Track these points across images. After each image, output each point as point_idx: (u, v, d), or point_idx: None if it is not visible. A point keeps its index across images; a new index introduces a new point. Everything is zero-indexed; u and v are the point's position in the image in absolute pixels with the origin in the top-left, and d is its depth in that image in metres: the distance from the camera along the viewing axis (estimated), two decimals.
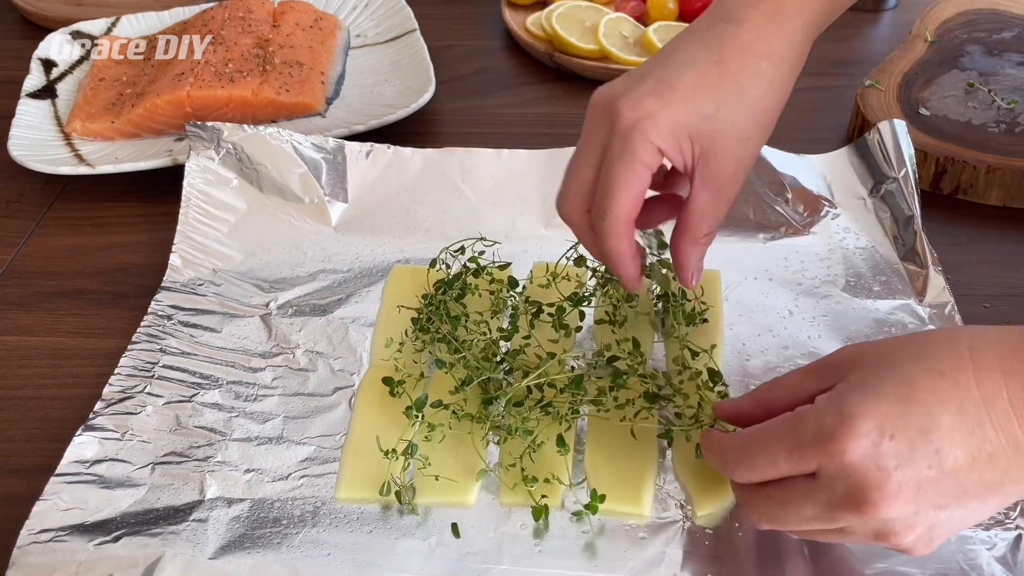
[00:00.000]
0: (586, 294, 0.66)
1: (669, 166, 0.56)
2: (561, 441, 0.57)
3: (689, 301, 0.66)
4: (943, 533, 0.44)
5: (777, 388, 0.50)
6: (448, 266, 0.69)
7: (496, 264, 0.69)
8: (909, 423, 0.42)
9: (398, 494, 0.56)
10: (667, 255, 0.62)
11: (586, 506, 0.55)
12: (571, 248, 0.67)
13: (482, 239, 0.70)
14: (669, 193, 0.59)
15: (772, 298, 0.68)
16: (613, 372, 0.59)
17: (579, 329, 0.66)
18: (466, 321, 0.64)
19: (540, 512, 0.54)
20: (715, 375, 0.59)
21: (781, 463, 0.45)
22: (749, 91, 0.53)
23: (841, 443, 0.42)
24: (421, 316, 0.65)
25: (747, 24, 0.53)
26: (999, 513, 0.53)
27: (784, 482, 0.46)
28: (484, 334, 0.63)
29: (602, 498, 0.54)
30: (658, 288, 0.68)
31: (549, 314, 0.65)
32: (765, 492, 0.47)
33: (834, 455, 0.42)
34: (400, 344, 0.65)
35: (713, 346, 0.62)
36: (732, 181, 0.54)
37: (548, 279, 0.68)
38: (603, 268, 0.67)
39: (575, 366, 0.61)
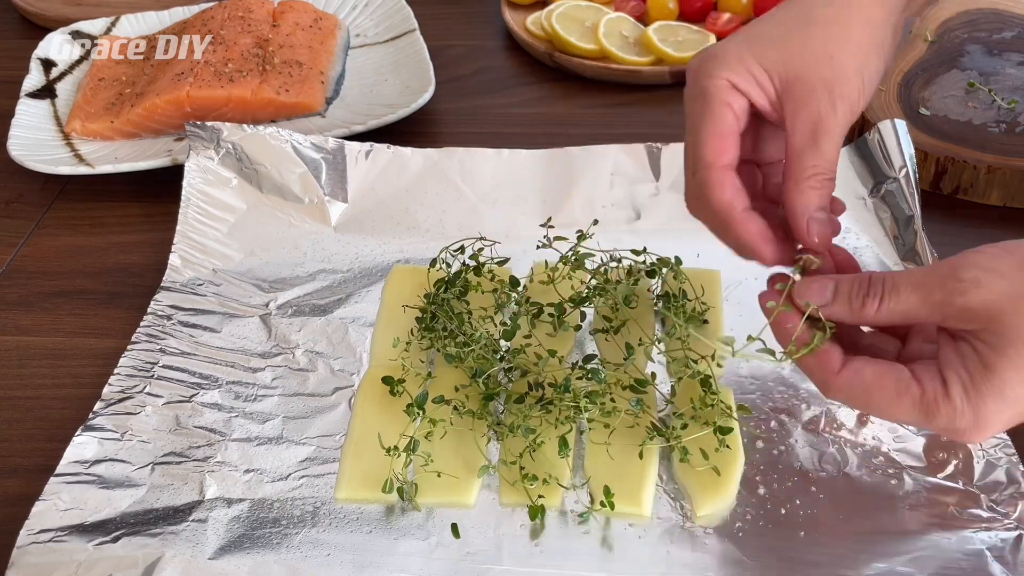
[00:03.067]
0: (586, 294, 0.66)
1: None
2: (564, 443, 0.57)
3: (689, 301, 0.66)
4: None
5: (884, 313, 0.45)
6: (448, 265, 0.69)
7: (495, 261, 0.69)
8: None
9: (400, 491, 0.56)
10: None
11: (595, 504, 0.55)
12: (571, 249, 0.67)
13: (482, 239, 0.70)
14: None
15: None
16: (597, 379, 0.59)
17: (579, 328, 0.66)
18: (469, 318, 0.64)
19: (536, 512, 0.54)
20: (706, 381, 0.58)
21: (900, 421, 0.48)
22: (816, 13, 0.49)
23: (970, 438, 0.44)
24: (425, 315, 0.65)
25: None
26: (999, 513, 0.53)
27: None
28: (487, 331, 0.63)
29: (611, 494, 0.54)
30: (658, 288, 0.68)
31: (550, 314, 0.65)
32: (863, 401, 0.46)
33: (959, 438, 0.46)
34: (407, 344, 0.65)
35: (713, 353, 0.62)
36: (827, 110, 0.48)
37: (548, 275, 0.68)
38: (604, 269, 0.67)
39: (575, 364, 0.61)
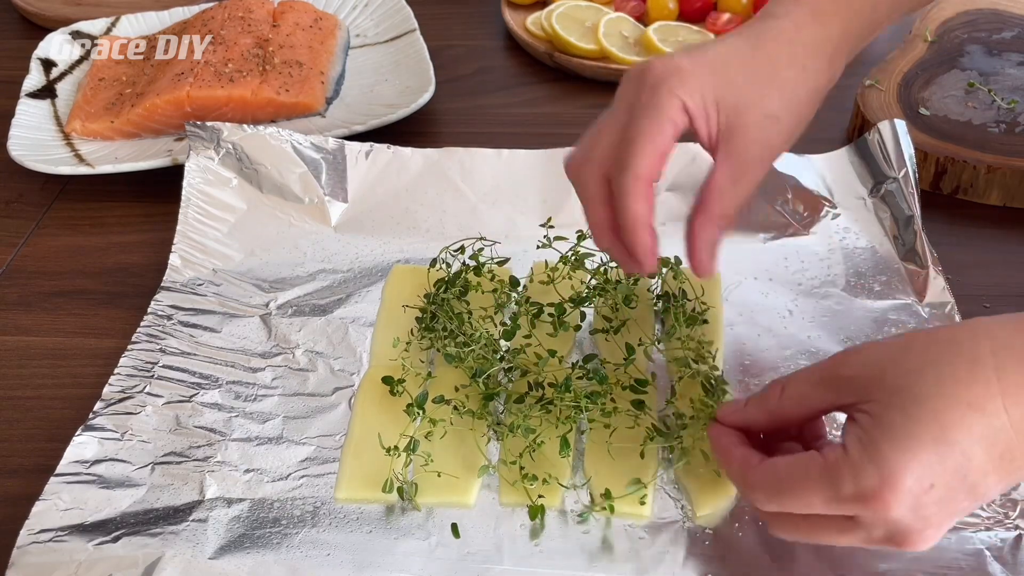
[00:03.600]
0: (586, 294, 0.66)
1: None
2: (565, 443, 0.57)
3: (689, 301, 0.66)
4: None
5: (787, 399, 0.48)
6: (449, 265, 0.69)
7: (495, 260, 0.69)
8: (947, 468, 0.41)
9: (400, 490, 0.56)
10: None
11: (595, 504, 0.54)
12: (570, 249, 0.67)
13: (482, 238, 0.70)
14: None
15: (772, 298, 0.68)
16: (598, 378, 0.59)
17: (579, 328, 0.66)
18: (469, 318, 0.64)
19: (537, 511, 0.54)
20: (721, 383, 0.58)
21: (817, 509, 0.44)
22: (780, 71, 0.53)
23: (884, 501, 0.41)
24: (425, 315, 0.65)
25: (786, 18, 0.54)
26: (999, 512, 0.53)
27: (815, 515, 0.45)
28: (487, 331, 0.63)
29: (610, 496, 0.54)
30: (658, 288, 0.68)
31: (550, 314, 0.65)
32: (793, 522, 0.46)
33: (877, 511, 0.42)
34: (407, 343, 0.65)
35: (717, 349, 0.62)
36: (755, 162, 0.53)
37: (548, 275, 0.68)
38: (604, 269, 0.68)
39: (573, 363, 0.61)
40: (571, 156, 0.55)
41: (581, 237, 0.68)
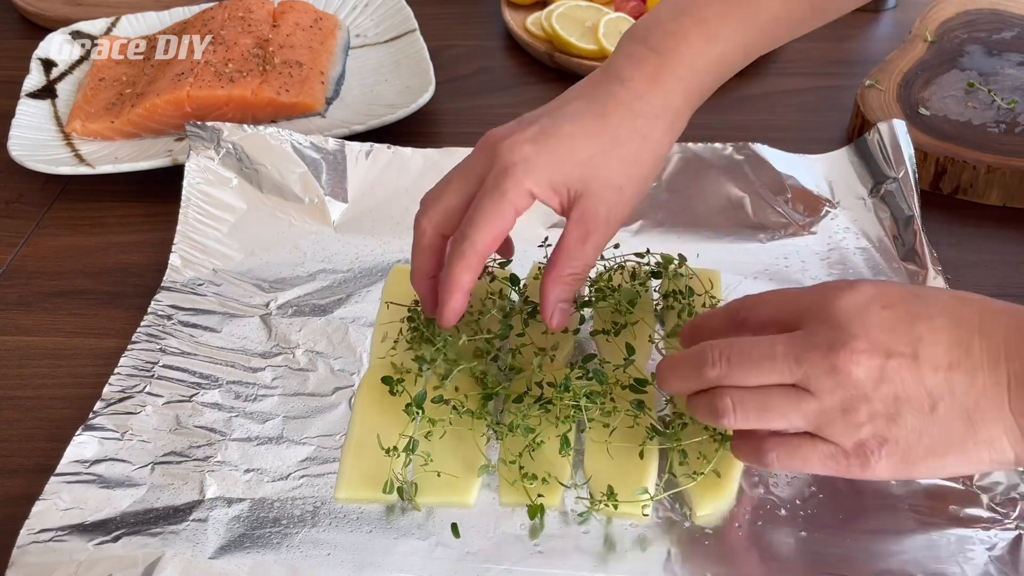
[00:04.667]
0: (587, 298, 0.66)
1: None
2: (566, 442, 0.57)
3: (699, 296, 0.66)
4: (896, 443, 0.45)
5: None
6: None
7: (497, 262, 0.69)
8: (904, 303, 0.46)
9: (400, 490, 0.56)
10: None
11: (595, 504, 0.54)
12: None
13: None
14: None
15: None
16: (598, 378, 0.59)
17: (577, 331, 0.66)
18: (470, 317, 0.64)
19: (536, 511, 0.54)
20: None
21: (766, 308, 0.49)
22: (624, 143, 0.56)
23: (836, 291, 0.46)
24: (415, 315, 0.65)
25: (629, 84, 0.57)
26: (998, 513, 0.53)
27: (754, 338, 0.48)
28: (475, 332, 0.63)
29: (614, 494, 0.54)
30: (660, 288, 0.68)
31: None
32: (729, 343, 0.48)
33: (826, 299, 0.46)
34: (395, 341, 0.65)
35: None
36: (602, 226, 0.56)
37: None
38: (608, 275, 0.67)
39: (574, 364, 0.61)
40: (421, 206, 0.59)
41: None
